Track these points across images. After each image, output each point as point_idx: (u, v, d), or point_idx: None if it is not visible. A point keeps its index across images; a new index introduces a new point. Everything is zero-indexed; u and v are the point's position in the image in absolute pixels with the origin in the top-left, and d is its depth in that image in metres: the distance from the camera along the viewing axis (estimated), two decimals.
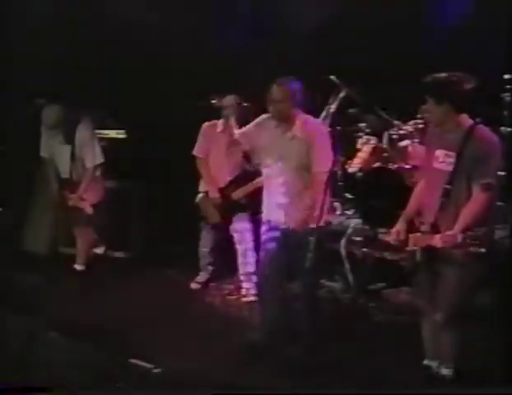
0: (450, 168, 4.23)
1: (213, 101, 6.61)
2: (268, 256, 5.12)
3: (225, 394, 4.45)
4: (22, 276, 6.56)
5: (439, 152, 4.32)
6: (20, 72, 7.10)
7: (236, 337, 5.41)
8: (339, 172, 7.07)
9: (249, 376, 4.81)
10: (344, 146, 6.95)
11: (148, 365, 4.75)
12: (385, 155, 6.67)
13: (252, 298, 6.11)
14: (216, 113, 6.36)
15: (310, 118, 5.08)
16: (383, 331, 5.61)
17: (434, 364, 4.51)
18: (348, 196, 6.94)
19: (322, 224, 4.73)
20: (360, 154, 6.80)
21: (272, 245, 5.09)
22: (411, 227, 4.42)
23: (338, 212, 7.00)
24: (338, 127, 6.69)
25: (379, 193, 6.48)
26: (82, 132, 6.60)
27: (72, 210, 6.71)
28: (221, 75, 7.09)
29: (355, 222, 6.64)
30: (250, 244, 6.22)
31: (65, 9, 7.24)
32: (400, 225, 4.48)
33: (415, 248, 4.29)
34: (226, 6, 7.30)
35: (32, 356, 4.83)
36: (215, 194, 6.16)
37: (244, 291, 6.27)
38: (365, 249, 6.38)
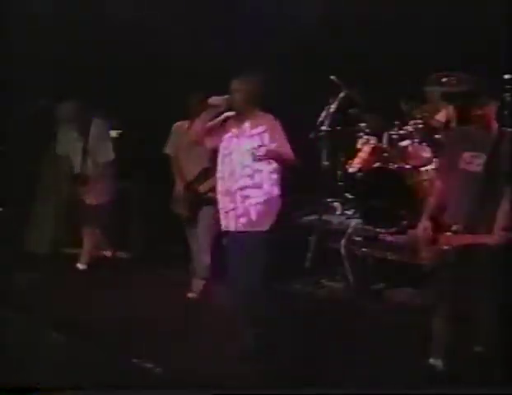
0: (479, 169, 4.31)
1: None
2: (227, 260, 5.06)
3: (225, 394, 4.44)
4: (23, 275, 6.56)
5: (465, 154, 4.38)
6: (21, 72, 7.10)
7: (235, 335, 5.42)
8: (339, 172, 7.10)
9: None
10: (344, 146, 6.98)
11: (148, 365, 4.75)
12: (385, 155, 6.68)
13: (194, 294, 6.15)
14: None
15: (266, 114, 5.01)
16: (383, 331, 5.60)
17: (439, 362, 4.51)
18: (348, 196, 6.96)
19: (269, 226, 4.79)
20: (360, 154, 6.81)
21: (227, 249, 5.05)
22: (435, 226, 4.45)
23: (338, 212, 7.03)
24: (338, 127, 6.70)
25: (379, 193, 6.49)
26: (96, 128, 6.68)
27: (81, 207, 6.75)
28: (221, 75, 7.08)
29: (355, 222, 6.66)
30: (207, 239, 6.14)
31: (65, 9, 7.23)
32: (426, 223, 4.49)
33: (446, 247, 4.33)
34: (226, 5, 7.30)
35: (32, 356, 4.83)
36: (180, 189, 6.21)
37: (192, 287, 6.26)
38: (365, 249, 6.39)
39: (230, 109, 5.02)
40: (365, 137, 6.86)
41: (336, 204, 7.07)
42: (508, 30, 6.05)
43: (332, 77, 6.49)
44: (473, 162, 4.34)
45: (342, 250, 6.35)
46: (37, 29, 7.20)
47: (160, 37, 7.21)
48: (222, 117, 5.09)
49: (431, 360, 4.54)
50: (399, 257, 6.19)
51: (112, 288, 6.45)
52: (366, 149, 6.80)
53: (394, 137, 6.76)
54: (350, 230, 6.53)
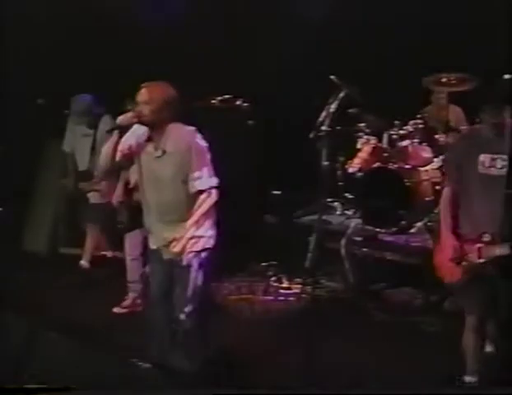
0: (502, 172, 4.02)
1: (213, 101, 6.65)
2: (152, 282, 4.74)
3: (225, 394, 4.44)
4: (23, 275, 6.56)
5: (483, 157, 4.10)
6: (21, 72, 7.09)
7: (234, 336, 5.42)
8: (339, 172, 7.11)
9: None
10: (344, 146, 6.98)
11: (148, 365, 4.74)
12: (385, 155, 6.68)
13: (138, 308, 5.94)
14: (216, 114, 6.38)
15: (185, 129, 4.44)
16: (383, 331, 5.60)
17: (474, 379, 4.30)
18: (348, 196, 6.96)
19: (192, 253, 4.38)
20: (360, 154, 6.82)
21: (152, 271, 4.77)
22: (461, 239, 4.20)
23: (338, 212, 7.03)
24: (338, 127, 6.69)
25: (379, 193, 6.49)
26: (106, 125, 6.62)
27: (85, 205, 6.74)
28: (221, 75, 7.09)
29: (355, 222, 6.66)
30: (137, 252, 5.89)
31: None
32: (453, 239, 4.20)
33: (480, 260, 4.08)
34: (225, 4, 7.30)
35: (32, 356, 4.82)
36: (117, 198, 5.75)
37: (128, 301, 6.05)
38: (365, 249, 6.39)
39: (144, 124, 4.41)
40: (365, 137, 6.87)
41: (336, 204, 7.07)
42: (508, 30, 6.06)
43: (332, 77, 6.48)
44: (495, 165, 4.05)
45: (342, 250, 6.35)
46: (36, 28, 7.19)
47: (160, 36, 7.20)
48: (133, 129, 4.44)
49: (467, 378, 4.32)
50: (399, 257, 6.19)
51: (112, 287, 6.46)
52: (366, 149, 6.81)
53: (394, 137, 6.77)
54: (350, 230, 6.54)
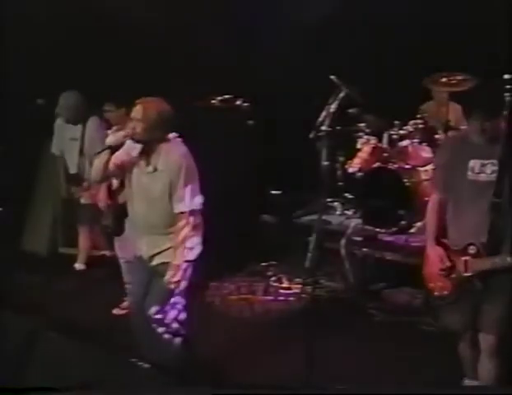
0: (491, 177, 3.83)
1: (213, 101, 6.65)
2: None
3: (225, 394, 4.44)
4: (22, 275, 6.56)
5: (473, 162, 3.90)
6: (21, 72, 7.09)
7: (235, 336, 5.42)
8: (339, 172, 7.11)
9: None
10: (344, 146, 6.98)
11: (147, 365, 4.74)
12: (385, 155, 6.68)
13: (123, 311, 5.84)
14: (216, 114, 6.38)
15: (177, 148, 4.46)
16: (383, 331, 5.60)
17: (473, 382, 4.20)
18: (348, 196, 6.96)
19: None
20: (360, 154, 6.82)
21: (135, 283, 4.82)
22: (446, 251, 4.02)
23: (338, 212, 7.03)
24: (338, 127, 6.70)
25: (379, 193, 6.49)
26: (93, 126, 6.58)
27: (77, 206, 6.71)
28: (221, 75, 7.09)
29: (355, 222, 6.66)
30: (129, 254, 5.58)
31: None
32: (439, 250, 4.03)
33: (467, 274, 3.90)
34: (225, 4, 7.30)
35: (32, 356, 4.82)
36: (102, 201, 5.51)
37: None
38: (365, 249, 6.39)
39: (137, 142, 4.44)
40: (365, 137, 6.87)
41: (336, 204, 7.07)
42: (508, 30, 6.06)
43: (332, 77, 6.48)
44: (485, 171, 3.86)
45: (342, 250, 6.34)
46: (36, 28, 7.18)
47: (160, 36, 7.20)
48: (127, 145, 4.47)
49: (466, 382, 4.25)
50: (399, 257, 6.19)
51: (110, 288, 6.45)
52: (366, 149, 6.81)
53: (394, 137, 6.77)
54: (350, 230, 6.53)
